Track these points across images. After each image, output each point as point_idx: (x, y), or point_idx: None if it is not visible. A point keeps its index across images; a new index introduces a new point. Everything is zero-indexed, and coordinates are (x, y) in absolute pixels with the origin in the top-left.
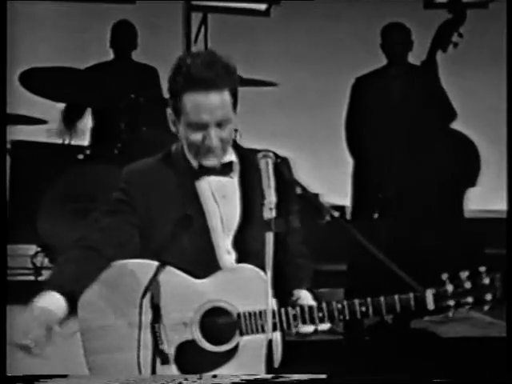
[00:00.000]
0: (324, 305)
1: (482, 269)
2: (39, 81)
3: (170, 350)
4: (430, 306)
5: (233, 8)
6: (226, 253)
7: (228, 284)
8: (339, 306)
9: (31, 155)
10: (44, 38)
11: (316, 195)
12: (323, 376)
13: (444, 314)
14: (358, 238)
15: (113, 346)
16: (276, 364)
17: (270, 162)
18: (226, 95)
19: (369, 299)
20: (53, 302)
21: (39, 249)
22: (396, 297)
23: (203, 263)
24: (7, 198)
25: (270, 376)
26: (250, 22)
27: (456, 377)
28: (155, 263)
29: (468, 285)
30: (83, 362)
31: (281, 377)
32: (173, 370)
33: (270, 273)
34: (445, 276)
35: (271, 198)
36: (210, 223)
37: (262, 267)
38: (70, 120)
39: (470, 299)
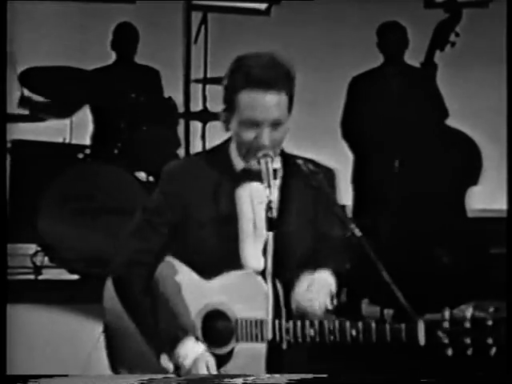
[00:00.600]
0: (316, 323)
1: (491, 309)
2: (39, 80)
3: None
4: (422, 340)
5: (233, 7)
6: (253, 258)
7: (232, 288)
8: (331, 327)
9: (31, 154)
10: (44, 38)
11: (343, 209)
12: (324, 375)
13: (441, 351)
14: (371, 256)
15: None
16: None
17: (270, 161)
18: (283, 98)
19: (360, 324)
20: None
21: (39, 248)
22: (387, 326)
23: (227, 265)
24: (7, 197)
25: (267, 376)
26: (251, 22)
27: (456, 376)
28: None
29: (467, 324)
30: (83, 362)
31: (281, 377)
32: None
33: (270, 273)
34: (447, 313)
35: (272, 197)
36: (240, 227)
37: (287, 277)
38: (64, 111)
39: (467, 340)
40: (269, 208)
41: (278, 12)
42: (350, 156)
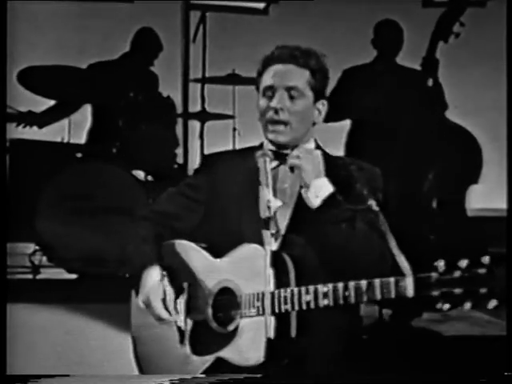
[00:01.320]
0: (311, 288)
1: (485, 259)
2: (38, 79)
3: (186, 327)
4: (410, 293)
5: (231, 7)
6: (273, 239)
7: (239, 264)
8: (325, 289)
9: (30, 153)
10: (43, 37)
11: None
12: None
13: (435, 308)
14: (387, 233)
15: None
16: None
17: (268, 160)
18: (305, 73)
19: (351, 283)
20: None
21: (37, 247)
22: (377, 280)
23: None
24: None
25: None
26: (249, 21)
27: (456, 375)
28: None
29: (457, 273)
30: (83, 363)
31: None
32: (187, 349)
33: (269, 273)
34: (440, 263)
35: (269, 196)
36: (261, 212)
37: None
38: (60, 113)
39: (457, 290)
40: (267, 208)
41: (277, 11)
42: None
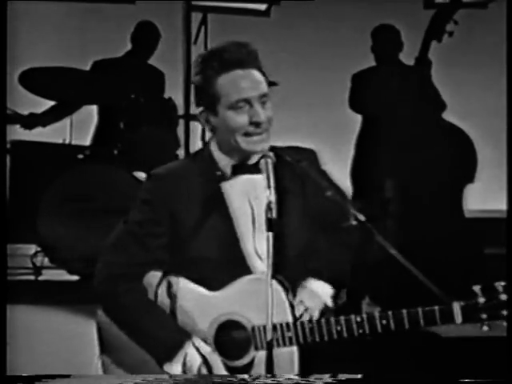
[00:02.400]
0: (342, 318)
1: (500, 284)
2: (38, 81)
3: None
4: (458, 319)
5: (233, 8)
6: (258, 259)
7: (242, 295)
8: (358, 319)
9: (31, 155)
10: (44, 38)
11: (344, 196)
12: (326, 376)
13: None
14: (381, 242)
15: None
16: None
17: (270, 161)
18: (259, 74)
19: (390, 312)
20: None
21: (39, 248)
22: (420, 310)
23: (233, 271)
24: (7, 198)
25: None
26: (250, 22)
27: (457, 376)
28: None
29: (503, 296)
30: (83, 363)
31: (282, 377)
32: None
33: (270, 274)
34: (477, 288)
35: (271, 197)
36: (238, 228)
37: (296, 273)
38: (60, 113)
39: (503, 312)
40: (269, 209)
41: (278, 13)
42: (349, 154)
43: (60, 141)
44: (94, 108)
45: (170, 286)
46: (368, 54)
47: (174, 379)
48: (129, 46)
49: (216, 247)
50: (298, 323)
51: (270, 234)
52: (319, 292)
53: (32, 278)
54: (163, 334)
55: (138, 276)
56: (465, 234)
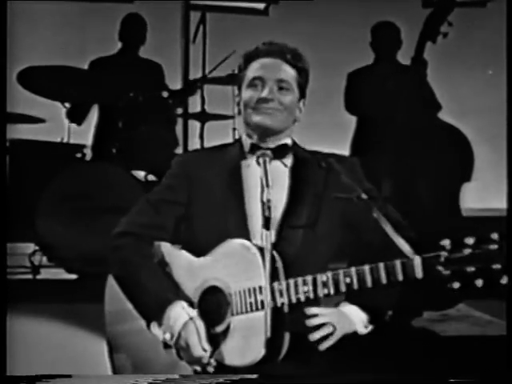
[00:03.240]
0: (309, 278)
1: (494, 235)
2: (37, 80)
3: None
4: (419, 274)
5: (231, 7)
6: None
7: (226, 260)
8: (324, 278)
9: (30, 154)
10: (43, 37)
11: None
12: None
13: (448, 285)
14: (380, 219)
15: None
16: (257, 349)
17: (268, 159)
18: (291, 70)
19: (353, 269)
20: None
21: (37, 247)
22: (381, 264)
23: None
24: (6, 197)
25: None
26: (249, 22)
27: (455, 376)
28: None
29: (467, 251)
30: (83, 363)
31: (283, 376)
32: (173, 355)
33: (268, 272)
34: (446, 242)
35: (269, 196)
36: (248, 207)
37: (302, 264)
38: (74, 119)
39: (469, 268)
40: (267, 207)
41: (277, 12)
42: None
43: (58, 139)
44: (93, 107)
45: (160, 252)
46: (367, 53)
47: (184, 378)
48: (119, 45)
49: (223, 219)
50: (269, 286)
51: (268, 232)
52: (351, 316)
53: (30, 276)
54: (154, 291)
55: (146, 237)
56: (463, 233)
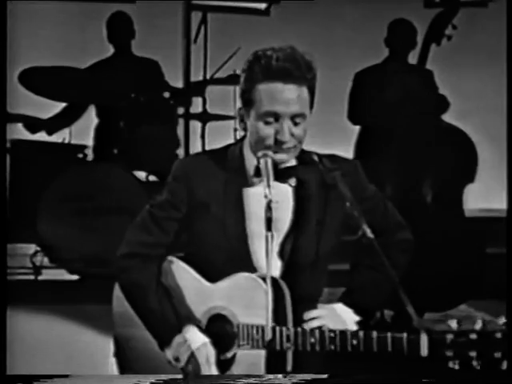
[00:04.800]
0: (316, 331)
1: (501, 321)
2: (39, 80)
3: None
4: (424, 352)
5: (233, 7)
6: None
7: (235, 292)
8: (331, 334)
9: (31, 154)
10: (44, 37)
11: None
12: (324, 376)
13: (446, 365)
14: (382, 259)
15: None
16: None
17: (269, 161)
18: (304, 91)
19: (361, 333)
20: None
21: (39, 248)
22: (389, 335)
23: (237, 268)
24: (7, 198)
25: (271, 376)
26: (250, 22)
27: (456, 377)
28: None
29: (473, 336)
30: (84, 363)
31: (282, 376)
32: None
33: (270, 277)
34: (453, 323)
35: (270, 197)
36: (249, 228)
37: (308, 281)
38: (68, 118)
39: (472, 353)
40: (268, 208)
41: (278, 12)
42: (350, 152)
43: (60, 140)
44: (94, 107)
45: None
46: (368, 53)
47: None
48: (111, 48)
49: (224, 238)
50: (277, 329)
51: (269, 233)
52: (343, 316)
53: (32, 277)
54: (163, 315)
55: (154, 256)
56: (465, 234)
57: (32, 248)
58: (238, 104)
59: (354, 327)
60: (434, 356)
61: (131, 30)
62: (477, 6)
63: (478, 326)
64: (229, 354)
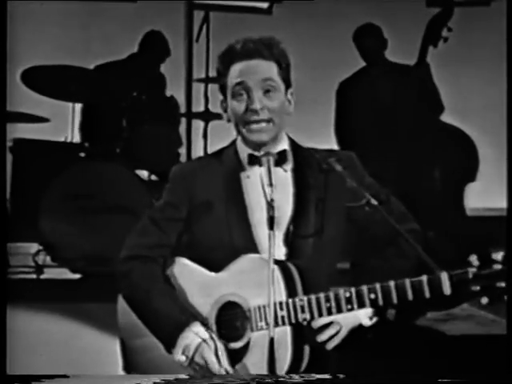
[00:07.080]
0: (331, 294)
1: None
2: (40, 79)
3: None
4: (446, 290)
5: (235, 6)
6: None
7: (242, 276)
8: (347, 294)
9: (32, 153)
10: (45, 37)
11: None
12: (326, 376)
13: (475, 300)
14: (390, 222)
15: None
16: (280, 364)
17: (272, 159)
18: (272, 65)
19: (378, 285)
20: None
21: (41, 247)
22: (407, 281)
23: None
24: (8, 196)
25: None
26: (252, 21)
27: (458, 374)
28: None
29: (497, 266)
30: (85, 363)
31: (282, 377)
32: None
33: (271, 270)
34: (473, 258)
35: (273, 195)
36: (251, 218)
37: (312, 266)
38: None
39: (498, 283)
40: (270, 207)
41: (280, 11)
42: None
43: (62, 139)
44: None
45: (171, 266)
46: None
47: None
48: (135, 49)
49: (228, 232)
50: (290, 302)
51: (271, 232)
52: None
53: (34, 276)
54: (166, 315)
55: (155, 258)
56: (466, 232)
57: (34, 247)
58: (220, 97)
59: (368, 321)
60: (457, 294)
61: (164, 56)
62: (479, 4)
63: (499, 256)
64: (242, 342)
